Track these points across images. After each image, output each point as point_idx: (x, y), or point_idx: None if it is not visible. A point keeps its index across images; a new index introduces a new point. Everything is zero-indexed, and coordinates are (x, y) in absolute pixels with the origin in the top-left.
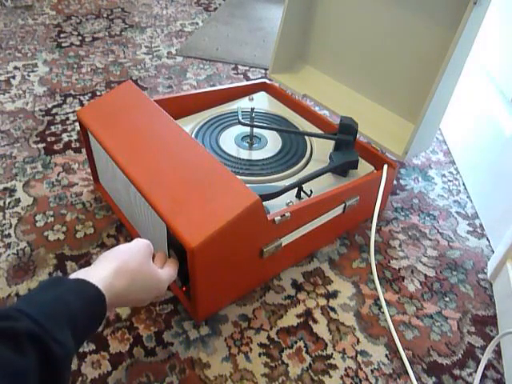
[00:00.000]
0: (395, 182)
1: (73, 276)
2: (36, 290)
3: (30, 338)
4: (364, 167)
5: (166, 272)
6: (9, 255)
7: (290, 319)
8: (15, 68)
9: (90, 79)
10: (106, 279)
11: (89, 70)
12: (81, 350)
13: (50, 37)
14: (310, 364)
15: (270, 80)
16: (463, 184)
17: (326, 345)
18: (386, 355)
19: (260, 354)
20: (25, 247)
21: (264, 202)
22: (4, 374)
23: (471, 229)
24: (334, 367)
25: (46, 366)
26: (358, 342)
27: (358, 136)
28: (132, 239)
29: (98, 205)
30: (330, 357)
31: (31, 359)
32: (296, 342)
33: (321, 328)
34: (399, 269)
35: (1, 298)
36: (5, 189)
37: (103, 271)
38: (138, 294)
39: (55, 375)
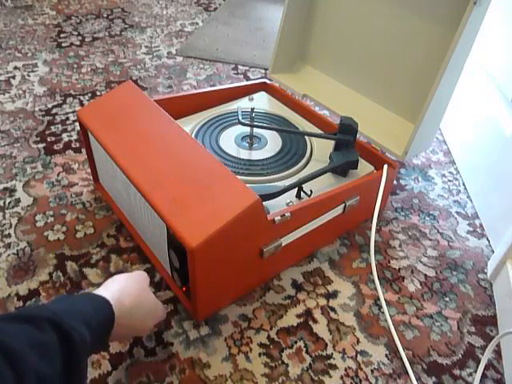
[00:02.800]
0: (395, 182)
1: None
2: (48, 303)
3: (50, 323)
4: (364, 167)
5: (160, 303)
6: (9, 255)
7: (290, 319)
8: (15, 68)
9: (90, 79)
10: (114, 295)
11: (89, 69)
12: None
13: (50, 37)
14: (310, 364)
15: (270, 80)
16: (463, 184)
17: (326, 345)
18: (386, 355)
19: (260, 354)
20: (25, 247)
21: (264, 202)
22: (30, 344)
23: (471, 229)
24: (334, 367)
25: (65, 348)
26: (358, 342)
27: (358, 136)
28: (132, 239)
29: (98, 205)
30: (330, 357)
31: (52, 338)
32: (296, 342)
33: (321, 328)
34: (399, 269)
35: (1, 298)
36: (5, 189)
37: (109, 290)
38: (142, 316)
39: (74, 358)
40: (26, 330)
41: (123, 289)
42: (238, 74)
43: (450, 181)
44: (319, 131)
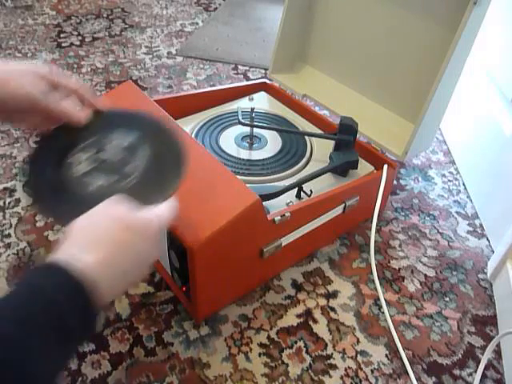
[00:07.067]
0: (395, 182)
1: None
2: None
3: None
4: (364, 167)
5: (148, 214)
6: (9, 255)
7: (290, 319)
8: None
9: (90, 79)
10: (84, 265)
11: (89, 69)
12: (81, 349)
13: (49, 37)
14: (310, 364)
15: (270, 80)
16: (463, 184)
17: (326, 345)
18: (386, 355)
19: (260, 354)
20: (25, 247)
21: (264, 202)
22: None
23: (471, 229)
24: (334, 367)
25: None
26: (358, 341)
27: (358, 136)
28: None
29: None
30: (329, 357)
31: None
32: (296, 342)
33: (321, 328)
34: (399, 269)
35: None
36: (5, 189)
37: (79, 261)
38: (131, 266)
39: None
40: None
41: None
42: (238, 73)
43: (449, 181)
44: (319, 131)
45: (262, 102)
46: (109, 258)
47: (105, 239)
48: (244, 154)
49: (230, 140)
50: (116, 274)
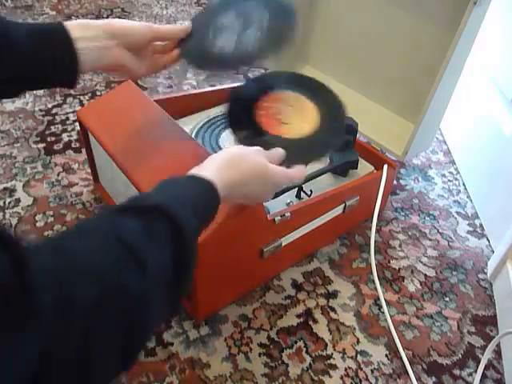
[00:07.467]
0: (395, 182)
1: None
2: (152, 192)
3: (161, 213)
4: (364, 167)
5: (280, 169)
6: None
7: (290, 319)
8: None
9: (90, 79)
10: (215, 172)
11: None
12: None
13: None
14: (310, 364)
15: None
16: (463, 184)
17: (326, 345)
18: (386, 355)
19: (260, 354)
20: None
21: (264, 202)
22: (149, 235)
23: (471, 229)
24: (334, 367)
25: (177, 239)
26: (358, 341)
27: (358, 136)
28: None
29: (98, 205)
30: (330, 357)
31: (165, 228)
32: (296, 342)
33: (321, 328)
34: (399, 269)
35: None
36: (5, 189)
37: (212, 166)
38: (251, 186)
39: (185, 252)
40: (142, 223)
41: (228, 161)
42: (238, 73)
43: (449, 181)
44: None
45: None
46: (240, 182)
47: (241, 170)
48: None
49: (230, 140)
50: (234, 196)
